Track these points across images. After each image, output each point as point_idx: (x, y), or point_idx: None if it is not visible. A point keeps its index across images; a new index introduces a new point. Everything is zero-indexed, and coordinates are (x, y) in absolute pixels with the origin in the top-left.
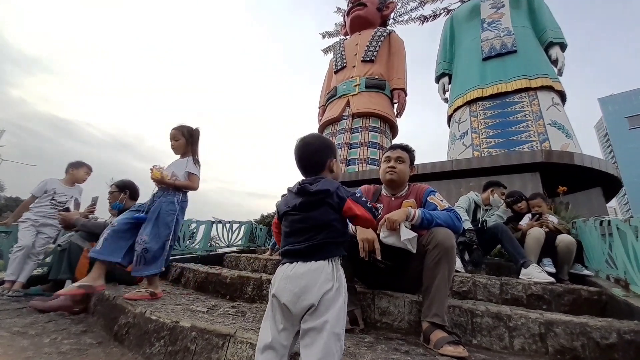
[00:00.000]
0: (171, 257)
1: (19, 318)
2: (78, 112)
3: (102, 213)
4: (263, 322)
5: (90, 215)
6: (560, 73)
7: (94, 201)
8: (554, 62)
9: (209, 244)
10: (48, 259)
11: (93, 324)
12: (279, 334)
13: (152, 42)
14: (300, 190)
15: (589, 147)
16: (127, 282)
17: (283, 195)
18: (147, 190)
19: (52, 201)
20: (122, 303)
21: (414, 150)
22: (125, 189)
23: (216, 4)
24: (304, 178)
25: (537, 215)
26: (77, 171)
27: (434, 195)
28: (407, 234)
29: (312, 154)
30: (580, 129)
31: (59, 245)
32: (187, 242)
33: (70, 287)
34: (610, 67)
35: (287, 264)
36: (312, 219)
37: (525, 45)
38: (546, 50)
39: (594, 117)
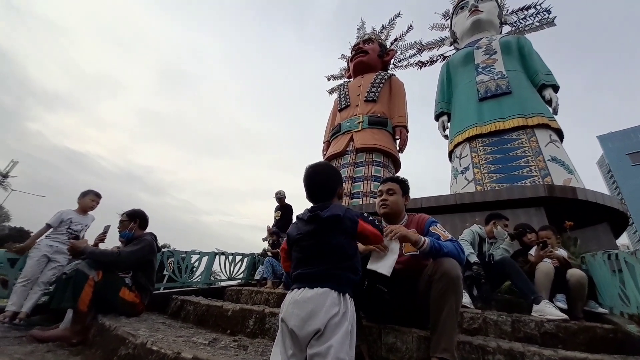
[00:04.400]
0: (171, 290)
1: (20, 346)
2: (92, 146)
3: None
4: (274, 348)
5: (100, 244)
6: (555, 112)
7: (106, 230)
8: (548, 103)
9: (210, 277)
10: (51, 288)
11: (91, 356)
12: (288, 359)
13: (163, 74)
14: (312, 217)
15: (593, 183)
16: (128, 313)
17: (293, 223)
18: (155, 222)
19: (68, 230)
20: (122, 334)
21: (405, 181)
22: (136, 218)
23: (227, 40)
24: (312, 205)
25: (542, 244)
26: (84, 199)
27: (436, 225)
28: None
29: (325, 182)
30: (582, 166)
31: (65, 273)
32: (186, 275)
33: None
34: (607, 108)
35: (296, 289)
36: (324, 245)
37: (519, 87)
38: (539, 91)
39: (595, 154)
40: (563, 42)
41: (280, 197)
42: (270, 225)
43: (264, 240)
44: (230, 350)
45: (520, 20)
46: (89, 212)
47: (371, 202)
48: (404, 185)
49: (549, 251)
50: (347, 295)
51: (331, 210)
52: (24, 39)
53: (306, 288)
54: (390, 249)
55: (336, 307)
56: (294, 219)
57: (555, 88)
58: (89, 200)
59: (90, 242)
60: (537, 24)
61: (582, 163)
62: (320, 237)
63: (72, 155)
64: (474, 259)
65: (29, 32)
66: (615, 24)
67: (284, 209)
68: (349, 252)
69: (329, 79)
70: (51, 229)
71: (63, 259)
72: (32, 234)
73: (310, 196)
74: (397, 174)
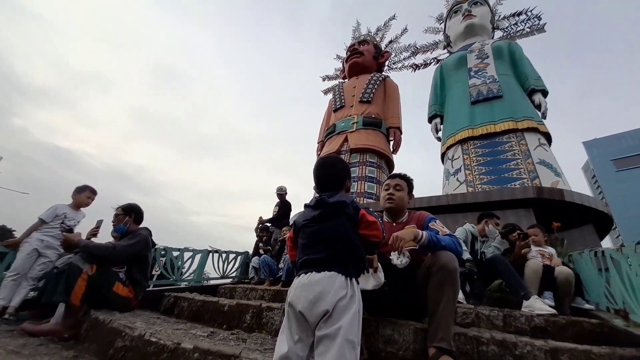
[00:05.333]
0: (162, 288)
1: (11, 339)
2: (80, 143)
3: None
4: (279, 335)
5: (93, 239)
6: (544, 116)
7: (98, 224)
8: (537, 107)
9: (202, 276)
10: (40, 283)
11: (84, 351)
12: (294, 344)
13: (155, 71)
14: (318, 202)
15: (578, 188)
16: (122, 308)
17: (301, 211)
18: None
19: (62, 225)
20: (118, 326)
21: (412, 180)
22: (131, 212)
23: (222, 46)
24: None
25: (522, 236)
26: (79, 195)
27: (435, 222)
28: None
29: (336, 174)
30: (567, 171)
31: (56, 267)
32: (178, 273)
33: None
34: (593, 115)
35: (303, 274)
36: (329, 230)
37: (509, 91)
38: (529, 96)
39: (580, 160)
40: (552, 48)
41: (281, 192)
42: (264, 218)
43: (255, 230)
44: (229, 342)
45: (512, 26)
46: (82, 209)
47: (365, 202)
48: (410, 183)
49: (528, 243)
50: (354, 280)
51: (337, 197)
52: (10, 33)
53: (313, 272)
54: (377, 276)
55: (344, 290)
56: (301, 208)
57: (545, 93)
58: (85, 197)
59: (83, 237)
60: (528, 29)
61: (567, 168)
62: (325, 222)
63: (58, 153)
64: (466, 256)
65: (16, 26)
66: (602, 33)
67: (283, 205)
68: (355, 241)
69: (323, 80)
70: (44, 224)
71: (53, 254)
72: (14, 232)
73: (319, 186)
74: (400, 172)
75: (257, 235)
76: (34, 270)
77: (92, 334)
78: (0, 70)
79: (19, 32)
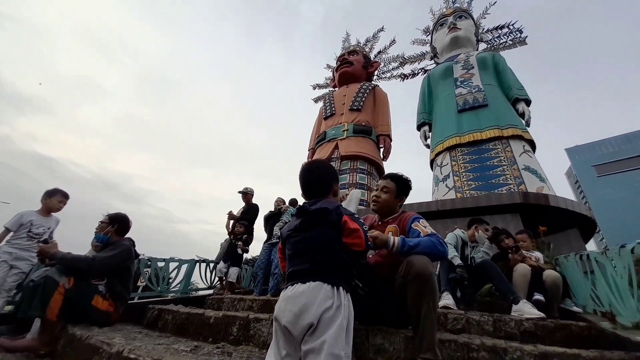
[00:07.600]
0: (146, 300)
1: None
2: (65, 151)
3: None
4: (269, 350)
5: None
6: (528, 124)
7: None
8: (521, 115)
9: (189, 286)
10: (17, 297)
11: None
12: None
13: (146, 80)
14: (299, 210)
15: (562, 193)
16: (101, 323)
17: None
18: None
19: (29, 233)
20: (96, 343)
21: (405, 180)
22: (115, 222)
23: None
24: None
25: (514, 248)
26: (50, 200)
27: (418, 222)
28: None
29: (320, 178)
30: (551, 177)
31: (32, 280)
32: (163, 283)
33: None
34: (573, 122)
35: (290, 286)
36: (311, 239)
37: (494, 100)
38: (513, 105)
39: (563, 166)
40: (534, 60)
41: (243, 192)
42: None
43: (227, 226)
44: (213, 356)
45: (495, 39)
46: (53, 214)
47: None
48: (401, 184)
49: (521, 255)
50: (341, 288)
51: (320, 204)
52: None
53: (299, 283)
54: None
55: (330, 300)
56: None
57: (528, 102)
58: (56, 201)
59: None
60: (510, 42)
61: (551, 174)
62: (308, 231)
63: (42, 161)
64: (457, 261)
65: (3, 33)
66: (579, 48)
67: (250, 209)
68: (338, 250)
69: (314, 88)
70: (11, 233)
71: (24, 265)
72: None
73: (304, 192)
74: (395, 172)
75: (231, 233)
76: (7, 283)
77: (68, 350)
78: None
79: (6, 39)
